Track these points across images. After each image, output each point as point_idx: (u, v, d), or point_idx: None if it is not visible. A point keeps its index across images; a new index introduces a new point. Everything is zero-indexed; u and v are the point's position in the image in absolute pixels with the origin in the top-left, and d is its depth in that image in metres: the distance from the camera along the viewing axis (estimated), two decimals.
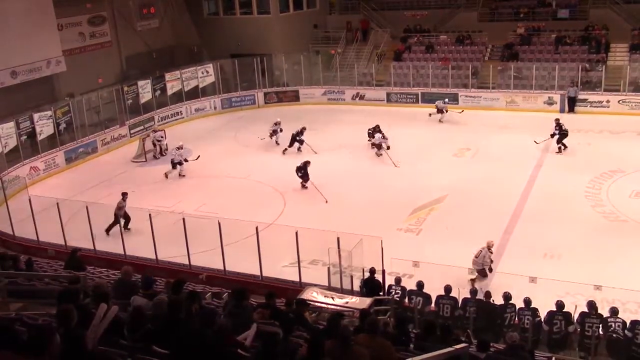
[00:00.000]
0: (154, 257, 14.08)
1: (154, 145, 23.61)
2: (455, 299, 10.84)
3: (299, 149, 22.82)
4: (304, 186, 19.21)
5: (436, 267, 11.77)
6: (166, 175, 20.90)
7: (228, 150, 23.83)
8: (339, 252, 11.95)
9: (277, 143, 23.55)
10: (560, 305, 10.21)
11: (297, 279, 12.69)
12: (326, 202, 18.05)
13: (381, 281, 11.84)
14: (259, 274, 13.00)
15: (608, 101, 26.77)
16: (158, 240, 14.07)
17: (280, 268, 13.53)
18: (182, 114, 29.00)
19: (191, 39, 34.25)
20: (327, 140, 23.64)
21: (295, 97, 31.37)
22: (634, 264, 13.58)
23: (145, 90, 27.12)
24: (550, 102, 27.52)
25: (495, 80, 29.37)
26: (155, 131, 24.33)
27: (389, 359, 6.24)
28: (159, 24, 33.20)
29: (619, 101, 26.59)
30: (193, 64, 30.33)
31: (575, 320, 10.08)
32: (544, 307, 10.40)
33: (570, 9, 32.05)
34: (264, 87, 31.35)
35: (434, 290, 11.21)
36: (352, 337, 6.09)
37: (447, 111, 26.46)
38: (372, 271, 11.72)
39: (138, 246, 14.75)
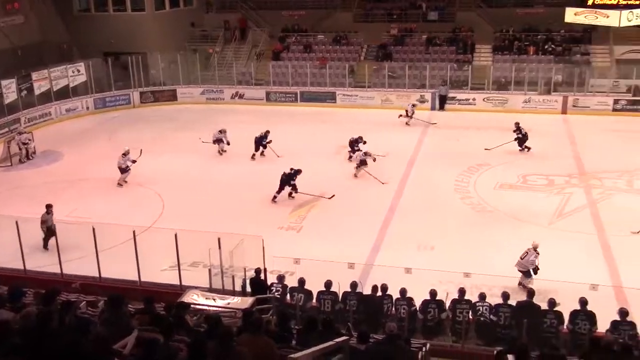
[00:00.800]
0: (22, 267, 13.28)
1: (20, 148, 22.26)
2: (335, 294, 11.09)
3: (262, 153, 22.12)
4: (290, 195, 18.33)
5: (317, 263, 11.98)
6: (119, 184, 19.69)
7: (101, 152, 22.89)
8: (220, 253, 11.86)
9: (220, 153, 22.37)
10: (433, 293, 10.73)
11: (178, 282, 12.46)
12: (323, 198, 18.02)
13: (264, 280, 11.88)
14: (137, 279, 12.64)
15: (474, 99, 28.41)
16: (26, 249, 13.30)
17: (159, 272, 13.21)
18: (51, 114, 27.53)
19: (60, 36, 32.64)
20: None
21: (172, 97, 30.75)
22: (499, 251, 14.50)
23: (9, 90, 25.46)
24: (422, 100, 28.77)
25: (371, 79, 30.31)
26: (20, 133, 22.90)
27: (270, 356, 6.31)
28: (24, 20, 31.31)
29: (483, 99, 28.31)
30: (63, 63, 28.88)
31: (447, 307, 10.63)
32: (419, 296, 10.87)
33: (439, 12, 33.68)
34: (140, 86, 30.44)
35: (315, 286, 11.41)
36: (234, 338, 6.10)
37: (412, 115, 26.21)
38: (258, 271, 11.73)
39: (4, 257, 13.84)
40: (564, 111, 27.41)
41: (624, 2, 19.45)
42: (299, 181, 18.05)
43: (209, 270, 12.32)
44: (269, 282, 11.74)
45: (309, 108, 29.04)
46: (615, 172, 19.73)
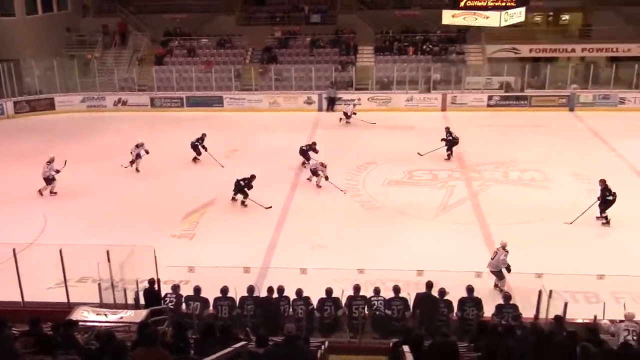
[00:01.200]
0: None
1: None
2: (232, 300, 11.00)
3: (194, 159, 21.52)
4: (243, 204, 17.82)
5: (212, 270, 11.84)
6: (41, 192, 18.48)
7: None
8: (110, 266, 11.44)
9: (137, 170, 20.79)
10: (329, 291, 10.90)
11: (65, 300, 11.88)
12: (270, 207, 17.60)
13: (158, 291, 11.58)
14: (20, 300, 11.93)
15: (359, 99, 29.12)
16: None
17: (45, 291, 12.54)
18: None
19: None
20: (91, 151, 22.47)
21: (50, 106, 29.26)
22: (390, 246, 14.99)
23: None
24: (309, 102, 29.16)
25: (258, 82, 30.33)
26: None
27: None
28: None
29: (368, 99, 29.08)
30: None
31: (343, 304, 10.84)
32: (316, 295, 11.00)
33: (321, 14, 34.23)
34: (14, 95, 28.72)
35: (211, 293, 11.26)
36: (128, 352, 5.91)
37: (350, 116, 26.43)
38: (151, 282, 11.41)
39: None
40: (443, 108, 28.70)
41: (499, 4, 20.58)
42: (195, 186, 17.74)
43: (99, 284, 11.83)
44: (163, 293, 11.46)
45: (196, 113, 28.61)
46: (492, 164, 20.89)
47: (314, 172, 19.19)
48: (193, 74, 30.07)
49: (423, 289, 10.92)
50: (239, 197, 17.83)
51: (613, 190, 16.16)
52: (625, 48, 30.70)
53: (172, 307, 10.97)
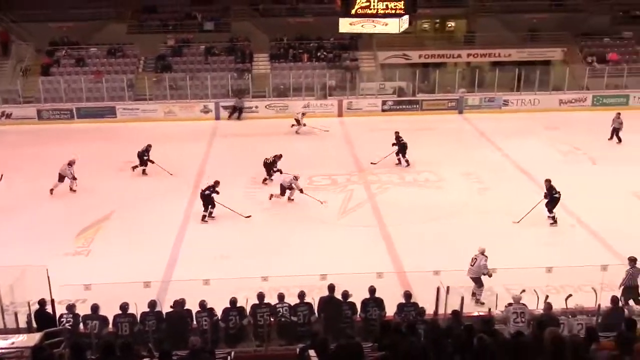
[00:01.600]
0: None
1: None
2: (133, 316, 10.65)
3: (143, 171, 20.82)
4: (210, 215, 17.32)
5: (110, 286, 11.44)
6: None
7: None
8: None
9: (72, 189, 19.43)
10: (233, 301, 10.79)
11: None
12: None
13: (52, 312, 11.02)
14: None
15: (257, 107, 29.12)
16: None
17: None
18: None
19: None
20: None
21: None
22: (293, 251, 15.08)
23: None
24: (206, 110, 28.82)
25: (152, 92, 29.63)
26: None
27: None
28: None
29: (265, 106, 29.12)
30: None
31: (248, 313, 10.77)
32: (221, 306, 10.87)
33: (215, 22, 33.94)
34: None
35: (111, 310, 10.86)
36: None
37: (303, 124, 26.19)
38: (42, 303, 10.83)
39: None
40: (340, 114, 29.22)
41: (389, 11, 21.18)
42: (90, 201, 17.06)
43: None
44: (58, 313, 10.93)
45: (88, 124, 27.58)
46: (389, 167, 21.47)
47: (288, 187, 18.38)
48: (83, 84, 28.96)
49: (327, 293, 11.05)
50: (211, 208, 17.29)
51: (557, 189, 16.72)
52: (507, 53, 32.56)
53: (69, 327, 10.48)
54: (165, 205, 18.33)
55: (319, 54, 32.19)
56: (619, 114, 24.78)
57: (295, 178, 18.41)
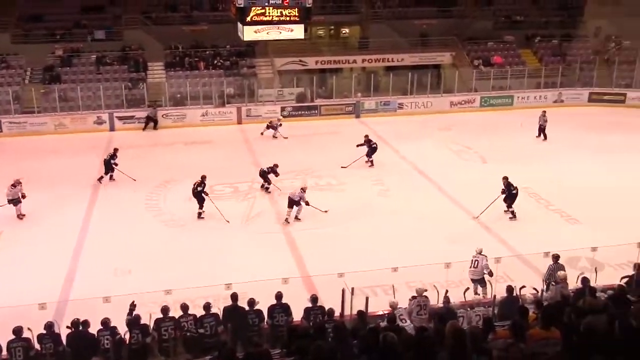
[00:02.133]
0: None
1: None
2: (28, 340, 10.10)
3: (111, 177, 20.61)
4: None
5: (6, 309, 10.81)
6: None
7: None
8: None
9: (20, 217, 17.84)
10: (135, 318, 10.47)
11: None
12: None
13: None
14: None
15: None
16: None
17: None
18: None
19: None
20: None
21: None
22: (199, 261, 14.86)
23: None
24: (99, 122, 27.81)
25: (40, 104, 28.24)
26: None
27: None
28: None
29: (162, 115, 28.48)
30: None
31: (152, 328, 10.49)
32: (123, 322, 10.52)
33: (106, 30, 32.79)
34: None
35: (3, 336, 10.25)
36: None
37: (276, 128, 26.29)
38: None
39: None
40: (239, 121, 29.07)
41: (284, 19, 21.41)
42: None
43: None
44: None
45: None
46: (291, 173, 21.55)
47: (297, 203, 17.61)
48: None
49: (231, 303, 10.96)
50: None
51: (515, 185, 17.57)
52: (400, 58, 33.64)
53: None
54: (59, 219, 17.56)
55: (215, 61, 31.89)
56: (545, 112, 26.31)
57: (303, 190, 17.79)
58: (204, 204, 17.86)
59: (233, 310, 10.80)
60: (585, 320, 6.54)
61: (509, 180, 17.74)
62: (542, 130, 25.88)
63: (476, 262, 13.18)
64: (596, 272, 12.82)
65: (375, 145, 22.51)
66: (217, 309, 10.84)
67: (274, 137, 26.43)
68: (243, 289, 11.10)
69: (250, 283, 11.55)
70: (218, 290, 11.60)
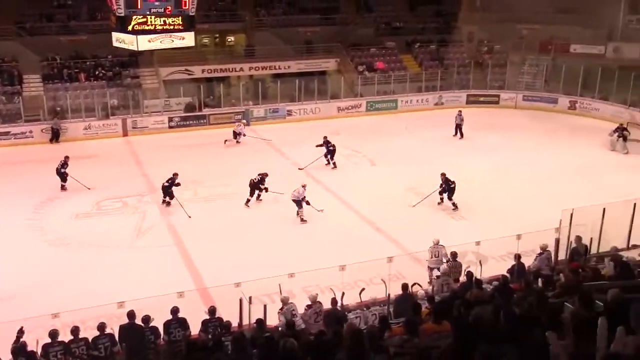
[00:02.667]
0: None
1: None
2: None
3: (62, 186, 20.36)
4: (169, 204, 19.16)
5: None
6: None
7: None
8: None
9: None
10: (21, 345, 9.89)
11: None
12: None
13: None
14: None
15: (31, 131, 26.98)
16: None
17: None
18: None
19: None
20: None
21: None
22: (86, 282, 14.25)
23: None
24: None
25: None
26: None
27: None
28: None
29: (41, 130, 27.08)
30: None
31: (39, 355, 9.94)
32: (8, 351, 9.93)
33: None
34: None
35: None
36: None
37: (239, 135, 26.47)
38: None
39: None
40: (125, 134, 28.17)
41: (167, 27, 21.08)
42: None
43: None
44: None
45: None
46: (181, 184, 21.14)
47: (298, 203, 18.01)
48: None
49: (127, 321, 10.61)
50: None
51: (452, 179, 18.82)
52: (286, 65, 33.93)
53: None
54: None
55: (97, 72, 30.74)
56: (460, 111, 27.70)
57: (303, 186, 18.29)
58: (167, 199, 19.11)
59: (129, 328, 10.45)
60: (473, 311, 6.89)
61: (446, 175, 18.88)
62: (458, 128, 27.32)
63: (437, 252, 14.14)
64: (481, 265, 13.55)
65: (332, 147, 23.00)
66: (111, 329, 10.46)
67: (238, 142, 26.64)
68: (137, 306, 10.77)
69: (145, 299, 11.24)
70: (111, 310, 11.21)
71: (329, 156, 23.07)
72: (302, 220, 18.09)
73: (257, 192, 19.52)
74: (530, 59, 34.53)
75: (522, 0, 35.27)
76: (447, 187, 18.91)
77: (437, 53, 36.27)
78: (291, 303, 11.24)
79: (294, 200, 18.19)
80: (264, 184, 19.50)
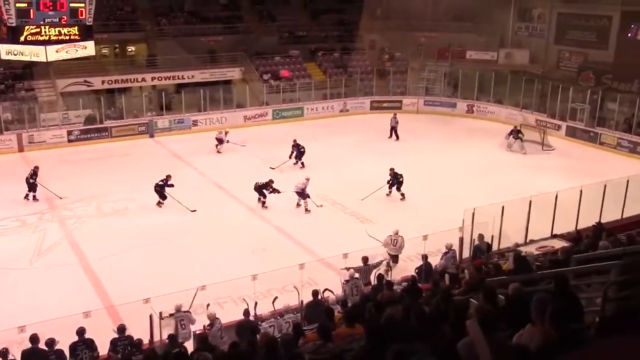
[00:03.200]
0: None
1: None
2: None
3: (32, 197, 20.17)
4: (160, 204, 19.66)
5: None
6: None
7: None
8: None
9: None
10: None
11: None
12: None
13: None
14: None
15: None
16: None
17: None
18: None
19: None
20: None
21: None
22: None
23: None
24: None
25: None
26: None
27: None
28: None
29: None
30: None
31: None
32: None
33: None
34: None
35: None
36: None
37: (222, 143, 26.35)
38: None
39: None
40: (20, 149, 26.81)
41: (62, 37, 20.37)
42: None
43: None
44: None
45: None
46: (83, 200, 20.44)
47: (302, 194, 19.30)
48: None
49: (30, 346, 10.10)
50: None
51: (400, 173, 20.49)
52: (190, 75, 33.42)
53: None
54: None
55: None
56: (395, 114, 29.18)
57: (307, 180, 19.58)
58: (161, 199, 19.68)
59: (32, 353, 9.96)
60: (384, 313, 7.04)
61: (395, 170, 20.51)
62: (393, 130, 28.42)
63: (395, 240, 15.19)
64: (391, 267, 13.88)
65: (302, 148, 24.05)
66: (12, 355, 9.93)
67: (219, 152, 26.45)
68: (40, 329, 10.28)
69: (48, 322, 10.75)
70: (11, 335, 10.63)
71: (299, 157, 24.13)
72: (306, 210, 19.45)
73: (262, 195, 19.97)
74: (430, 66, 35.76)
75: (419, 10, 36.60)
76: (396, 180, 20.41)
77: (341, 61, 36.86)
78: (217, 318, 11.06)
79: (297, 192, 19.45)
80: (268, 189, 19.84)
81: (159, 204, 19.86)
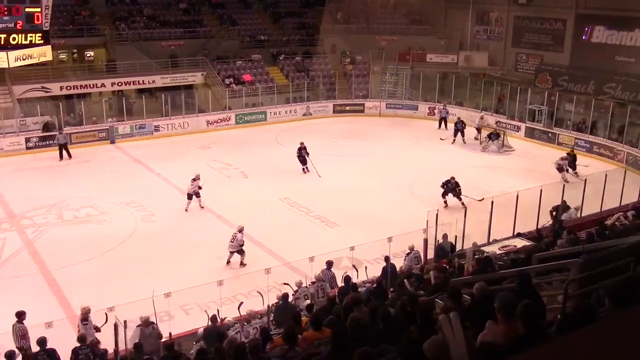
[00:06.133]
0: None
1: None
2: None
3: None
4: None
5: None
6: None
7: None
8: None
9: None
10: None
11: None
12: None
13: None
14: None
15: None
16: None
17: None
18: None
19: None
20: None
21: None
22: None
23: None
24: None
25: None
26: None
27: None
28: None
29: None
30: None
31: None
32: None
33: None
34: None
35: None
36: None
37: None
38: None
39: None
40: None
41: (15, 43, 20.01)
42: None
43: None
44: None
45: None
46: (43, 208, 20.02)
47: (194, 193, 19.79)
48: None
49: None
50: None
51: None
52: (151, 80, 33.10)
53: None
54: None
55: None
56: (445, 104, 31.11)
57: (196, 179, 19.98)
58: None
59: None
60: (350, 315, 7.08)
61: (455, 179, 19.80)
62: (443, 120, 30.23)
63: (234, 237, 15.82)
64: (356, 269, 13.96)
65: (303, 157, 23.80)
66: None
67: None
68: (0, 342, 10.07)
69: (7, 334, 10.53)
70: None
71: (304, 162, 24.02)
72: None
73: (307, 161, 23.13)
74: (391, 69, 36.07)
75: (379, 13, 36.89)
76: (454, 188, 19.37)
77: (302, 64, 36.91)
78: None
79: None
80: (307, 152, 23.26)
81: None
